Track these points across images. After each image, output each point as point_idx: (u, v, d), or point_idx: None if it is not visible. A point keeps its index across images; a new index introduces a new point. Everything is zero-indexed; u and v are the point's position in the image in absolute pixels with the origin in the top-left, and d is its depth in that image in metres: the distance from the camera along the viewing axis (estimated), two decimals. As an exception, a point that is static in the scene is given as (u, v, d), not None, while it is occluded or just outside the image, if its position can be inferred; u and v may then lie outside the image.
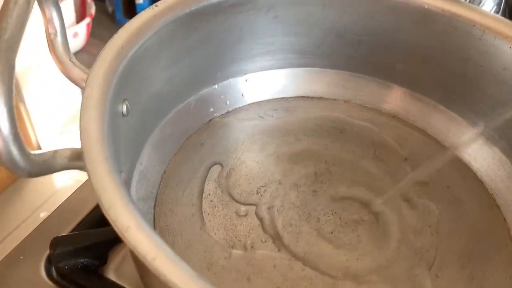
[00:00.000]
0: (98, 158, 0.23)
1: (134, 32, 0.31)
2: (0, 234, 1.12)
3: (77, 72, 0.28)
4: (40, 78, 1.16)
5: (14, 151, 0.20)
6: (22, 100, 1.17)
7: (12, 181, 1.25)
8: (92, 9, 1.55)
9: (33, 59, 1.10)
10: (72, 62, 0.28)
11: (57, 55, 0.28)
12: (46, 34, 0.27)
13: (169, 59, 0.35)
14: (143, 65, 0.32)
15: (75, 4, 1.53)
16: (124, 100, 0.30)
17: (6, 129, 0.19)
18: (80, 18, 1.55)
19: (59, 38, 0.28)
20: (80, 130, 0.24)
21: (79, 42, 1.50)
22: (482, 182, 0.39)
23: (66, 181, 1.26)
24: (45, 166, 0.22)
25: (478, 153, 0.40)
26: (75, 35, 1.47)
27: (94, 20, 1.56)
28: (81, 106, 0.25)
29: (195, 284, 0.19)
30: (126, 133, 0.31)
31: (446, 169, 0.40)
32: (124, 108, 0.30)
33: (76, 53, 1.49)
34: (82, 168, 0.23)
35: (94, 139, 0.23)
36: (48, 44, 0.28)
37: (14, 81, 0.19)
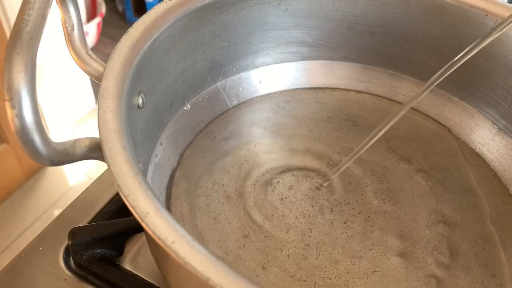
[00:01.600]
0: (117, 147, 0.23)
1: (149, 25, 0.32)
2: (18, 229, 1.14)
3: (94, 65, 0.29)
4: (53, 78, 1.18)
5: (37, 139, 0.20)
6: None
7: (27, 178, 1.27)
8: (103, 8, 1.56)
9: (46, 58, 1.12)
10: (89, 55, 0.28)
11: (74, 49, 0.28)
12: (63, 28, 0.28)
13: (183, 52, 0.36)
14: (158, 58, 0.33)
15: (86, 4, 1.55)
16: (140, 92, 0.30)
17: (29, 118, 0.20)
18: (90, 17, 1.57)
19: (76, 32, 0.28)
20: (99, 121, 0.24)
21: (90, 41, 1.51)
22: (495, 172, 0.39)
23: (80, 178, 1.28)
24: (66, 154, 0.22)
25: (491, 144, 0.40)
26: (86, 34, 1.48)
27: (105, 19, 1.57)
28: (98, 98, 0.26)
29: (214, 267, 0.19)
30: (142, 126, 0.32)
31: (459, 159, 0.40)
32: (140, 101, 0.30)
33: (88, 52, 1.50)
34: (100, 158, 0.23)
35: (112, 129, 0.24)
36: (65, 38, 0.28)
37: (36, 72, 0.19)
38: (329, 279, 0.31)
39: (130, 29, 0.31)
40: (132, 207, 0.21)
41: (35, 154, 0.20)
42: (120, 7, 1.75)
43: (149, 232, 0.20)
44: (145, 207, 0.21)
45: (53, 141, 0.21)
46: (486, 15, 0.37)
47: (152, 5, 1.60)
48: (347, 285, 0.31)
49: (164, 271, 0.28)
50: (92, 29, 1.50)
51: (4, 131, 1.11)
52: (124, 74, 0.28)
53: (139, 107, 0.30)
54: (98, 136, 0.24)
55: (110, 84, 0.27)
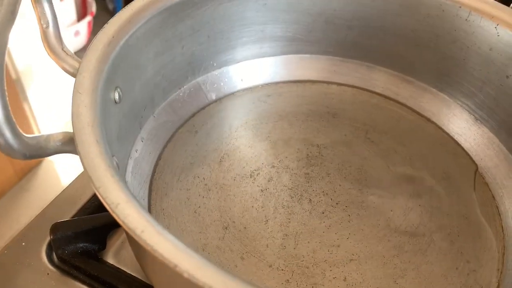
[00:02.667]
0: (89, 140, 0.24)
1: (125, 21, 0.32)
2: (11, 230, 1.14)
3: (70, 61, 0.29)
4: (43, 78, 1.18)
5: (7, 133, 0.21)
6: (26, 100, 1.18)
7: (19, 179, 1.27)
8: (93, 7, 1.56)
9: (36, 59, 1.12)
10: (65, 51, 0.29)
11: (50, 46, 0.29)
12: (38, 25, 0.28)
13: (161, 47, 0.36)
14: (135, 53, 0.33)
15: (76, 3, 1.54)
16: (116, 87, 0.31)
17: (-1, 113, 0.20)
18: (81, 16, 1.56)
19: (51, 29, 0.29)
20: (72, 115, 0.25)
21: (81, 41, 1.51)
22: (473, 161, 0.40)
23: (72, 178, 1.28)
24: (39, 148, 0.23)
25: (468, 133, 0.41)
26: (77, 33, 1.48)
27: (95, 18, 1.57)
28: (72, 92, 0.26)
29: (181, 254, 0.19)
30: (120, 121, 0.32)
31: (437, 149, 0.41)
32: (117, 96, 0.31)
33: (78, 52, 1.50)
34: (74, 151, 0.24)
35: (86, 123, 0.24)
36: (40, 35, 0.28)
37: (4, 67, 0.20)
38: (307, 267, 0.32)
39: (106, 25, 0.31)
40: (103, 198, 0.21)
41: (7, 148, 0.21)
42: (110, 6, 1.75)
43: (120, 222, 0.21)
44: (116, 198, 0.21)
45: (25, 135, 0.22)
46: (460, 7, 0.38)
47: (142, 3, 1.59)
48: (324, 273, 0.32)
49: (141, 262, 0.29)
50: (83, 28, 1.50)
51: (-6, 131, 1.10)
52: (99, 70, 0.28)
53: (116, 102, 0.31)
54: (72, 131, 0.24)
55: (85, 79, 0.27)
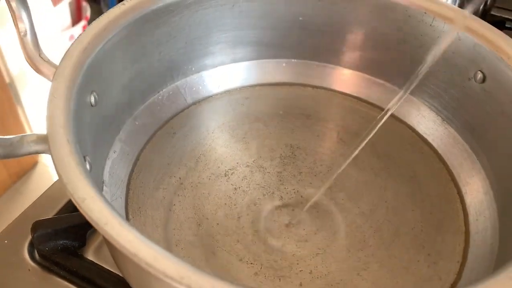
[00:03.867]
0: (61, 140, 0.25)
1: (102, 28, 0.34)
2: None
3: (47, 67, 0.31)
4: (37, 81, 1.19)
5: (-19, 134, 0.22)
6: (20, 103, 1.20)
7: (14, 182, 1.28)
8: (88, 12, 1.58)
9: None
10: (42, 58, 0.31)
11: (28, 52, 0.31)
12: (16, 33, 0.30)
13: (138, 53, 0.38)
14: (111, 59, 0.35)
15: (71, 7, 1.56)
16: (92, 91, 0.32)
17: (-27, 115, 0.22)
18: (76, 21, 1.58)
19: (28, 36, 0.30)
20: (46, 117, 0.27)
21: (75, 45, 1.52)
22: (438, 159, 0.41)
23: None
24: (12, 149, 0.24)
25: (435, 133, 0.43)
26: (71, 38, 1.50)
27: (90, 22, 1.59)
28: (48, 97, 0.28)
29: (140, 244, 0.21)
30: (97, 123, 0.34)
31: (406, 148, 0.42)
32: (93, 99, 0.32)
33: (72, 56, 1.52)
34: (46, 151, 0.25)
35: (58, 124, 0.26)
36: (19, 42, 0.30)
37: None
38: (275, 261, 0.34)
39: (82, 33, 0.33)
40: (71, 194, 0.23)
41: (-19, 148, 0.23)
42: (105, 10, 1.76)
43: (85, 215, 0.22)
44: (82, 194, 0.23)
45: (-1, 136, 0.24)
46: (425, 12, 0.40)
47: (136, 8, 1.61)
48: (291, 266, 0.33)
49: (113, 256, 0.30)
50: (77, 33, 1.51)
51: (-12, 135, 1.12)
52: (74, 75, 0.30)
53: (92, 105, 0.32)
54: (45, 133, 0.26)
55: (60, 84, 0.29)
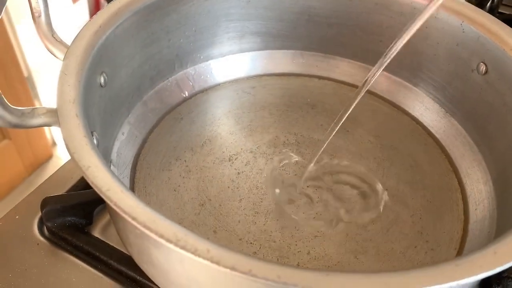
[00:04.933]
0: (70, 114, 0.27)
1: (113, 13, 0.35)
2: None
3: (59, 47, 0.32)
4: (54, 75, 1.22)
5: (-5, 103, 0.24)
6: (37, 96, 1.23)
7: (29, 174, 1.31)
8: (104, 9, 1.60)
9: (47, 57, 1.16)
10: (55, 38, 0.32)
11: (42, 32, 0.32)
12: (31, 14, 0.31)
13: (148, 39, 0.39)
14: (121, 43, 0.36)
15: (89, 4, 1.59)
16: (102, 72, 0.34)
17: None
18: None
19: (43, 18, 0.32)
20: (57, 93, 0.28)
21: (92, 41, 1.55)
22: (441, 150, 0.42)
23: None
24: (24, 119, 0.26)
25: (438, 125, 0.43)
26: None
27: (106, 19, 1.61)
28: (59, 74, 0.29)
29: (140, 209, 0.22)
30: (106, 103, 0.35)
31: (409, 139, 0.43)
32: (102, 80, 0.34)
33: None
34: (55, 123, 0.27)
35: (67, 99, 0.27)
36: (34, 23, 0.32)
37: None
38: (274, 242, 0.34)
39: (94, 16, 0.34)
40: (77, 161, 0.24)
41: (-6, 116, 0.24)
42: (122, 9, 1.80)
43: (89, 181, 0.24)
44: (87, 162, 0.24)
45: (11, 106, 0.25)
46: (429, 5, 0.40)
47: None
48: (289, 247, 0.34)
49: (115, 225, 0.31)
50: (93, 30, 1.54)
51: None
52: (85, 55, 0.31)
53: (101, 85, 0.34)
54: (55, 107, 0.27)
55: (71, 62, 0.30)
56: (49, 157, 1.34)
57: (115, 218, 0.30)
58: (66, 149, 0.25)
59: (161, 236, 0.21)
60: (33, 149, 1.27)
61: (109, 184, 0.23)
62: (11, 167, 1.23)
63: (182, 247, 0.21)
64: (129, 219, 0.22)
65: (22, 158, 1.25)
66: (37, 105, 1.23)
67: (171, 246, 0.21)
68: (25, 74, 1.15)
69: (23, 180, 1.29)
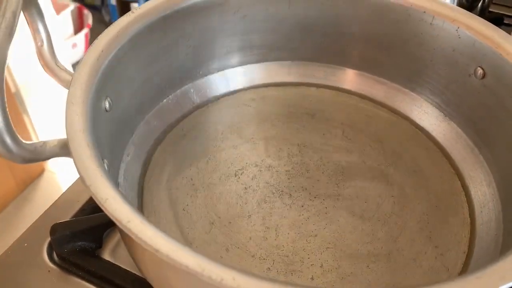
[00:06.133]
0: (81, 144, 0.27)
1: (113, 37, 0.35)
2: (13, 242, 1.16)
3: (63, 75, 0.32)
4: (42, 90, 1.21)
5: (8, 140, 0.24)
6: (26, 112, 1.22)
7: (21, 191, 1.29)
8: (89, 20, 1.60)
9: (35, 72, 1.15)
10: (58, 66, 0.32)
11: (45, 61, 0.32)
12: (34, 43, 0.31)
13: (148, 59, 0.39)
14: (123, 65, 0.36)
15: (73, 16, 1.58)
16: (106, 97, 0.34)
17: (0, 123, 0.23)
18: (78, 29, 1.60)
19: (45, 47, 0.32)
20: (66, 123, 0.28)
21: (79, 53, 1.54)
22: (442, 154, 0.43)
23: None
24: (36, 153, 0.26)
25: (438, 129, 0.44)
26: (74, 45, 1.52)
27: (92, 30, 1.60)
28: (66, 103, 0.29)
29: (161, 240, 0.22)
30: (111, 127, 0.35)
31: (410, 144, 0.43)
32: (107, 104, 0.34)
33: (76, 64, 1.53)
34: (67, 154, 0.27)
35: (78, 129, 0.27)
36: (36, 52, 0.31)
37: (4, 80, 0.23)
38: (286, 256, 0.35)
39: (95, 41, 0.34)
40: (93, 194, 0.24)
41: (7, 153, 0.24)
42: (106, 17, 1.78)
43: (108, 214, 0.24)
44: (104, 194, 0.24)
45: (23, 141, 0.25)
46: (424, 12, 0.41)
47: (137, 14, 1.63)
48: (302, 261, 0.35)
49: (132, 254, 0.32)
50: (80, 41, 1.53)
51: (-4, 144, 1.13)
52: (89, 82, 0.31)
53: (106, 110, 0.34)
54: (65, 137, 0.27)
55: (76, 90, 0.30)
56: (41, 171, 1.33)
57: (130, 244, 0.30)
58: (81, 182, 0.25)
59: (186, 267, 0.21)
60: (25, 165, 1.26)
61: (128, 216, 0.23)
62: (3, 184, 1.21)
63: (208, 277, 0.21)
64: (152, 251, 0.22)
65: (14, 174, 1.23)
66: (26, 120, 1.22)
67: (197, 276, 0.21)
68: (13, 90, 1.14)
69: (16, 196, 1.27)
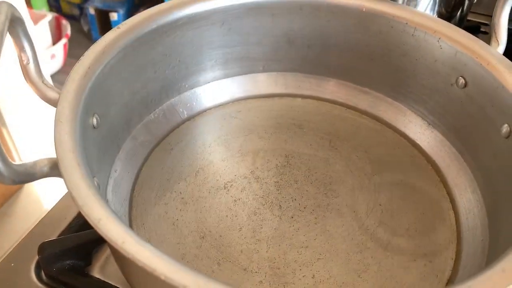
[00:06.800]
0: (72, 164, 0.26)
1: (99, 52, 0.35)
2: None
3: (50, 93, 0.32)
4: (22, 104, 1.19)
5: (-2, 162, 0.23)
6: (4, 125, 1.19)
7: (1, 205, 1.27)
8: (68, 30, 1.58)
9: (15, 85, 1.13)
10: (45, 84, 0.31)
11: (31, 79, 0.31)
12: (19, 61, 0.31)
13: (135, 73, 0.39)
14: (110, 81, 0.36)
15: (51, 26, 1.56)
16: (94, 114, 0.33)
17: (-11, 144, 0.23)
18: (56, 39, 1.58)
19: (31, 65, 0.31)
20: (55, 142, 0.28)
21: (57, 63, 1.52)
22: (427, 162, 0.43)
23: (54, 202, 1.28)
24: (27, 174, 0.25)
25: (422, 137, 0.45)
26: (53, 56, 1.50)
27: (71, 40, 1.59)
28: (54, 122, 0.29)
29: (158, 260, 0.22)
30: (100, 143, 0.35)
31: (395, 152, 0.44)
32: (95, 121, 0.33)
33: (55, 74, 1.51)
34: (57, 175, 0.26)
35: (67, 149, 0.27)
36: (22, 70, 0.31)
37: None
38: (278, 268, 0.35)
39: (82, 57, 0.34)
40: (86, 215, 0.24)
41: (-3, 175, 0.23)
42: (85, 27, 1.77)
43: (103, 235, 0.23)
44: (98, 214, 0.24)
45: (13, 163, 0.24)
46: (406, 23, 0.42)
47: (117, 23, 1.62)
48: (294, 273, 0.35)
49: (125, 272, 0.31)
50: (58, 51, 1.51)
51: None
52: (77, 99, 0.31)
53: (94, 127, 0.33)
54: (55, 157, 0.27)
55: (65, 109, 0.30)
56: (21, 186, 1.30)
57: (122, 262, 0.30)
58: (67, 199, 0.25)
59: (184, 287, 0.21)
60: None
61: (123, 237, 0.23)
62: (-18, 199, 1.19)
63: (206, 296, 0.21)
64: (149, 271, 0.22)
65: (-8, 188, 1.21)
66: (5, 135, 1.19)
67: (194, 295, 0.21)
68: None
69: (-2, 208, 1.25)
